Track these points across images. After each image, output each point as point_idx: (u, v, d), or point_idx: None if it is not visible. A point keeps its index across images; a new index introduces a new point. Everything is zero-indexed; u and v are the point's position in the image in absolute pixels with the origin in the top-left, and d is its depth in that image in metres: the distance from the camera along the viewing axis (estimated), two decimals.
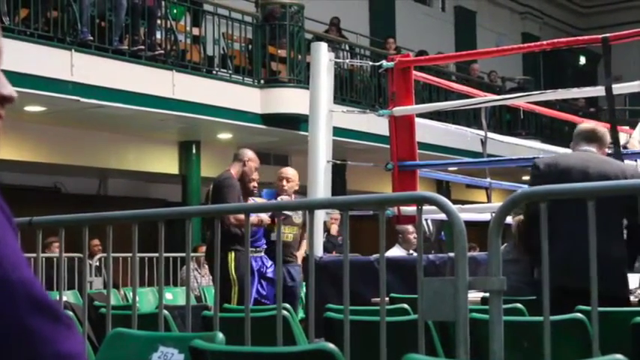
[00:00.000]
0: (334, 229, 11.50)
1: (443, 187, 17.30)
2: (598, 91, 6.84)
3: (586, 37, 7.45)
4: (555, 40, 7.24)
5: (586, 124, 5.19)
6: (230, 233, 6.96)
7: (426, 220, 10.18)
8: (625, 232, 4.82)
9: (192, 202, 13.61)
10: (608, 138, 5.01)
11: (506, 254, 5.19)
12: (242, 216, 6.76)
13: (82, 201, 14.01)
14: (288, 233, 7.71)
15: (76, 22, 10.78)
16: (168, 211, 4.42)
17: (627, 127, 10.75)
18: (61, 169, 13.55)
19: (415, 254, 8.02)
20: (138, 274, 4.12)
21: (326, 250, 9.31)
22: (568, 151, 9.33)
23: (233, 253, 7.10)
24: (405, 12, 20.79)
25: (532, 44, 8.85)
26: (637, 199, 4.56)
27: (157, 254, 3.86)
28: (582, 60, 25.58)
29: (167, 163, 14.43)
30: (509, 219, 4.03)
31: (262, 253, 7.62)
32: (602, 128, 5.00)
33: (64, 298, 5.21)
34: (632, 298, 5.26)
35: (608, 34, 6.35)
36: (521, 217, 5.28)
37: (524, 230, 5.19)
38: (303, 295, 8.77)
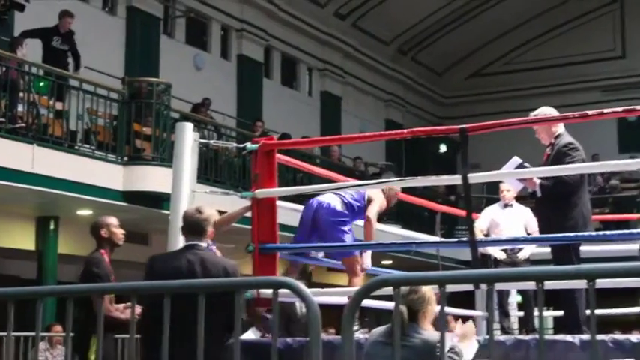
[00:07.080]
0: None
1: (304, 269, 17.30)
2: (455, 179, 7.00)
3: (444, 127, 7.65)
4: (415, 130, 7.39)
5: (192, 211, 5.30)
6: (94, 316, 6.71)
7: (297, 301, 10.06)
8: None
9: (48, 279, 13.25)
10: (211, 224, 5.18)
11: (380, 336, 4.84)
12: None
13: None
14: None
15: None
16: (18, 291, 4.27)
17: None
18: None
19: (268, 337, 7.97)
20: None
21: None
22: (428, 237, 9.54)
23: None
24: (272, 95, 21.02)
25: (394, 132, 9.08)
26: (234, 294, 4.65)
27: (5, 333, 3.71)
28: (443, 148, 26.30)
29: (23, 238, 14.03)
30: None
31: None
32: (207, 213, 5.18)
33: None
34: None
35: (465, 125, 6.53)
36: None
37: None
38: None
